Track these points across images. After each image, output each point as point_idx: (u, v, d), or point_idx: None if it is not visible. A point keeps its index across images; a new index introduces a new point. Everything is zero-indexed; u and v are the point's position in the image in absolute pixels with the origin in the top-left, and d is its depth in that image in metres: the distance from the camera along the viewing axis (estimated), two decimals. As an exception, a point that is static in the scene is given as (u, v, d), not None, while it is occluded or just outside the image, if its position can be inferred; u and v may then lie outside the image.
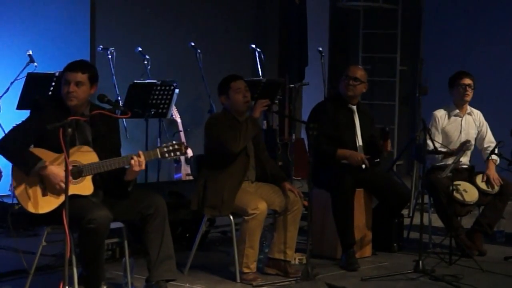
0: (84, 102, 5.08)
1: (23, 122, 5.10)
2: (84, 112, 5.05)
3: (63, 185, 4.76)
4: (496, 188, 6.81)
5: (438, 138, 6.86)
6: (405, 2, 11.76)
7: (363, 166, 6.51)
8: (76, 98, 5.01)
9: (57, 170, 4.85)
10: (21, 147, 4.89)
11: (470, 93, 7.01)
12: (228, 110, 5.94)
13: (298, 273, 5.90)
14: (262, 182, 6.04)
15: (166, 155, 5.04)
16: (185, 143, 5.17)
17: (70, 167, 4.75)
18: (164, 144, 5.09)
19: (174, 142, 5.08)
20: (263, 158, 6.08)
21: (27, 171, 4.84)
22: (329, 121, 6.54)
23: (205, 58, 9.21)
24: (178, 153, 5.05)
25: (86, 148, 5.00)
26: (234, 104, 5.89)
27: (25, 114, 6.75)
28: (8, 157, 4.96)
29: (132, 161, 4.96)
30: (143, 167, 5.01)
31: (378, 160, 6.54)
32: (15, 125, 5.13)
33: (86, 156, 4.96)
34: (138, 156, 4.97)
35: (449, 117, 7.04)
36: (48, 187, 4.88)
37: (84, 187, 4.95)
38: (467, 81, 6.97)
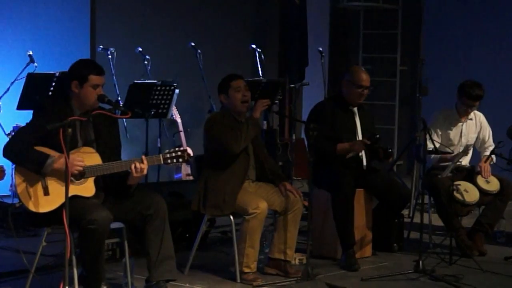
0: None
1: (27, 124, 5.07)
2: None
3: (79, 168, 4.80)
4: (497, 188, 6.80)
5: (437, 138, 6.85)
6: (406, 2, 11.76)
7: (362, 160, 6.50)
8: None
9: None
10: (27, 148, 4.84)
11: (471, 111, 6.99)
12: (227, 109, 5.94)
13: (298, 273, 5.89)
14: (262, 181, 6.04)
15: (169, 161, 5.03)
16: (187, 149, 5.16)
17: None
18: (167, 150, 5.08)
19: (177, 148, 5.07)
20: (262, 156, 6.08)
21: (39, 169, 4.80)
22: (328, 122, 6.53)
23: (205, 58, 9.21)
24: (180, 159, 5.04)
25: (89, 149, 5.00)
26: (233, 103, 5.89)
27: (25, 114, 6.77)
28: (15, 160, 4.90)
29: (133, 166, 4.94)
30: (145, 172, 4.99)
31: (378, 136, 6.48)
32: (15, 126, 5.11)
33: (89, 157, 4.95)
34: (141, 161, 4.96)
35: (449, 121, 7.01)
36: (54, 183, 4.85)
37: (86, 188, 4.94)
38: (474, 103, 6.91)
